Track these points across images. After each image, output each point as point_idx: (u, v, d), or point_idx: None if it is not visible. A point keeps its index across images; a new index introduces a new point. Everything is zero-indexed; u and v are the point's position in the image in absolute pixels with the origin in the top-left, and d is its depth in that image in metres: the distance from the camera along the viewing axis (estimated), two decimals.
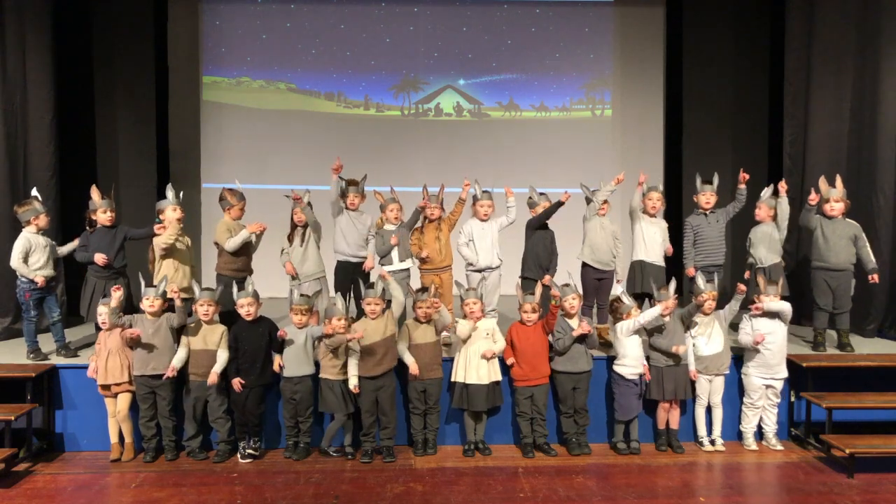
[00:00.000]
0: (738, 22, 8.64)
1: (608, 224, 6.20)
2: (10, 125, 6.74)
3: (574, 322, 5.40)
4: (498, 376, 5.44)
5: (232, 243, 5.84)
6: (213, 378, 5.22)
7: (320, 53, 9.27)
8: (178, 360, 5.28)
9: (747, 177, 6.19)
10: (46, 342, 5.93)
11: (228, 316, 5.55)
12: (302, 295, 5.49)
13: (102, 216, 5.83)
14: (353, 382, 5.27)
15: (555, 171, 8.67)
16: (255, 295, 5.40)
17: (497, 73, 9.42)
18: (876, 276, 6.12)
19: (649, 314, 5.38)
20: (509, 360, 5.47)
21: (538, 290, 5.57)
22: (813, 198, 6.11)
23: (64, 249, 6.01)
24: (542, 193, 6.17)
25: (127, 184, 8.04)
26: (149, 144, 8.43)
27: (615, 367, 5.51)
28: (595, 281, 6.12)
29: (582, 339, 5.41)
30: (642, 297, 5.81)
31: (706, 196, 6.22)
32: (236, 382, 5.24)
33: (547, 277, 5.99)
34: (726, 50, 8.70)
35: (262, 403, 5.39)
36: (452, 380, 5.46)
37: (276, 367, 5.34)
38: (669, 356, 5.44)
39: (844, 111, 7.04)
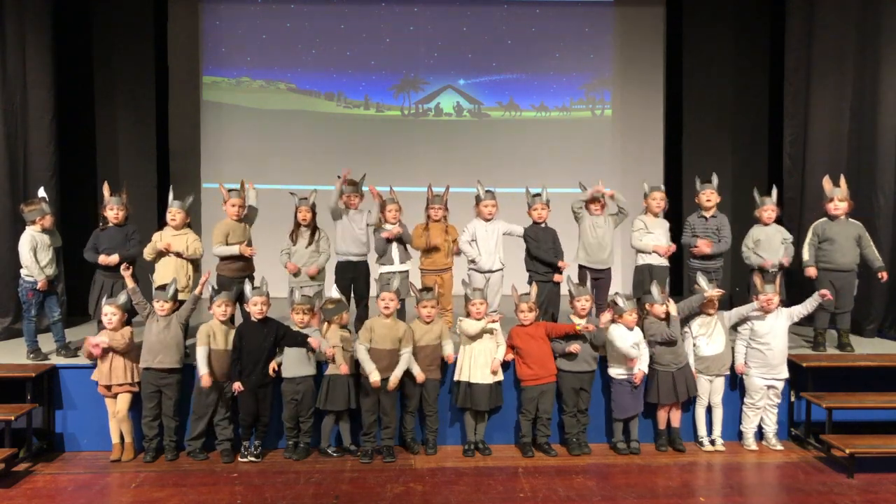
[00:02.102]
0: (738, 22, 8.64)
1: (601, 223, 6.20)
2: (10, 125, 6.74)
3: (582, 322, 5.44)
4: (500, 376, 5.45)
5: (217, 250, 5.92)
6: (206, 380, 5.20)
7: (320, 53, 9.27)
8: (202, 365, 5.22)
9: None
10: (46, 342, 5.93)
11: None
12: (304, 295, 5.49)
13: (110, 213, 5.86)
14: (375, 377, 5.21)
15: (555, 171, 8.66)
16: (268, 294, 5.40)
17: (497, 73, 9.42)
18: (885, 274, 6.08)
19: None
20: (509, 356, 5.48)
21: (533, 290, 5.58)
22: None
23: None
24: (536, 194, 6.16)
25: (127, 184, 8.02)
26: (149, 144, 8.43)
27: (608, 369, 5.53)
28: (592, 280, 6.12)
29: (583, 337, 5.46)
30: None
31: (706, 195, 6.21)
32: (237, 386, 5.24)
33: (558, 276, 6.06)
34: (726, 50, 8.70)
35: (272, 404, 5.39)
36: (456, 378, 5.46)
37: (270, 371, 5.32)
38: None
39: (844, 111, 7.04)
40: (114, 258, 5.71)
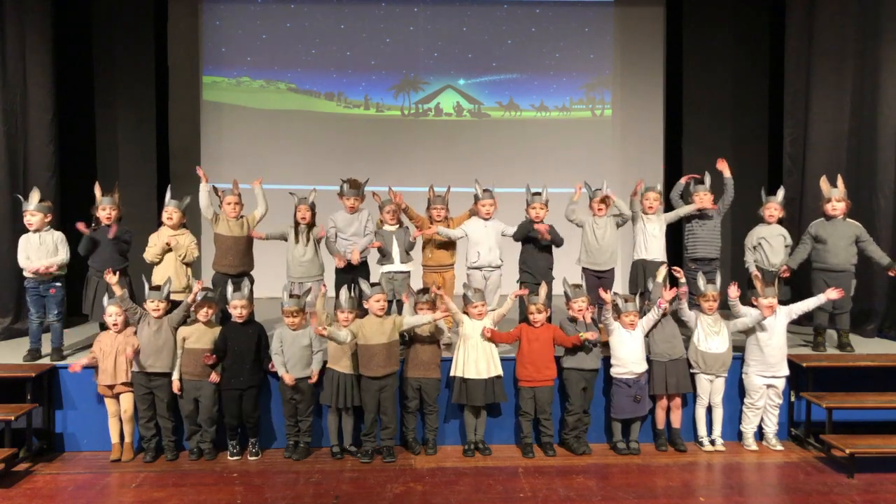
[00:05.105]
0: (738, 22, 8.64)
1: (603, 224, 6.22)
2: (10, 125, 6.74)
3: (587, 334, 5.42)
4: (498, 371, 5.43)
5: (201, 197, 5.94)
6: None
7: (320, 53, 9.27)
8: (177, 371, 5.31)
9: (724, 165, 6.30)
10: (47, 344, 5.91)
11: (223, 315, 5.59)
12: (291, 296, 5.41)
13: (102, 213, 5.87)
14: (343, 336, 5.16)
15: (555, 171, 8.64)
16: (250, 297, 5.40)
17: (497, 73, 9.42)
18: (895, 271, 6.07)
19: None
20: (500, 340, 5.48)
21: (542, 291, 5.56)
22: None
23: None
24: (536, 193, 6.16)
25: (127, 184, 7.99)
26: (149, 144, 8.43)
27: (611, 369, 5.53)
28: (595, 280, 6.14)
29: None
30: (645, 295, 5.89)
31: (699, 196, 6.26)
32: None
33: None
34: (726, 50, 8.70)
35: (258, 405, 5.39)
36: (452, 374, 5.46)
37: (270, 368, 5.32)
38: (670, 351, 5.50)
39: (844, 111, 7.05)
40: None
